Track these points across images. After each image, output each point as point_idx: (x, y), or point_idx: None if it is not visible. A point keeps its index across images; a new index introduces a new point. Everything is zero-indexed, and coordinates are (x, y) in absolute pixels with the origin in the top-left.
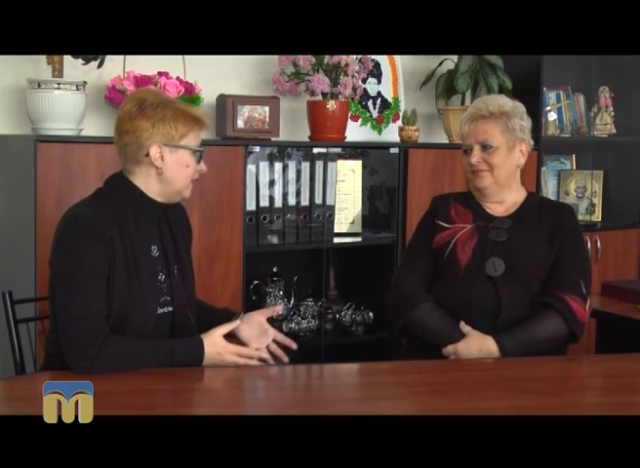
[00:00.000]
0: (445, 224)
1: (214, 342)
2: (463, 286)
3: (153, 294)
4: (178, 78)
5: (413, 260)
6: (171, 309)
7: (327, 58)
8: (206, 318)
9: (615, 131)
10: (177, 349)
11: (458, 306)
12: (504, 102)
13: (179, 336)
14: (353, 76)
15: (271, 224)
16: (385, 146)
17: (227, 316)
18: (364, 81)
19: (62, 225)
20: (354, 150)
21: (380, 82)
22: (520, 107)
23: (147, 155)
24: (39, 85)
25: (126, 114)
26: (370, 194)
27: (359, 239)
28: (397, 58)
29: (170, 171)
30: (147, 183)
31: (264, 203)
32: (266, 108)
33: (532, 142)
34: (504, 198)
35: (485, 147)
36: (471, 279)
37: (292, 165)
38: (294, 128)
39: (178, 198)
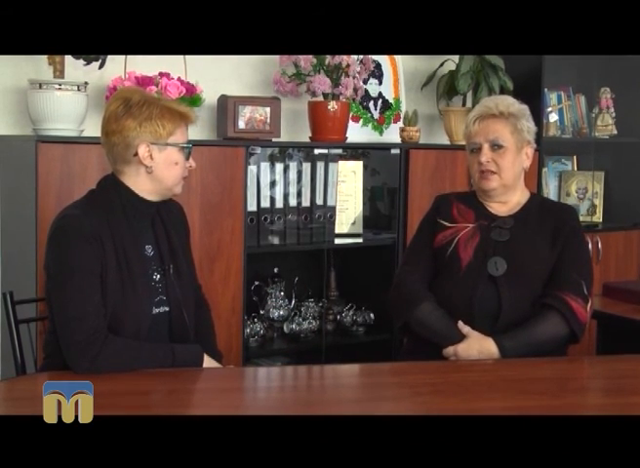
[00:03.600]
0: (447, 223)
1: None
2: (465, 285)
3: (147, 294)
4: (179, 79)
5: (414, 259)
6: (167, 309)
7: (328, 59)
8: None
9: (616, 132)
10: (177, 351)
11: (459, 305)
12: (513, 103)
13: (176, 335)
14: (354, 77)
15: (272, 225)
16: (386, 147)
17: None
18: (365, 82)
19: (52, 228)
20: (355, 151)
21: (381, 83)
22: (527, 110)
23: (136, 154)
24: (40, 85)
25: (112, 114)
26: (371, 195)
27: (360, 240)
28: (398, 58)
29: (159, 169)
30: (138, 182)
31: (265, 203)
32: (267, 109)
33: (534, 146)
34: (509, 198)
35: (495, 146)
36: (473, 278)
37: (293, 165)
38: (295, 128)
39: (169, 194)
